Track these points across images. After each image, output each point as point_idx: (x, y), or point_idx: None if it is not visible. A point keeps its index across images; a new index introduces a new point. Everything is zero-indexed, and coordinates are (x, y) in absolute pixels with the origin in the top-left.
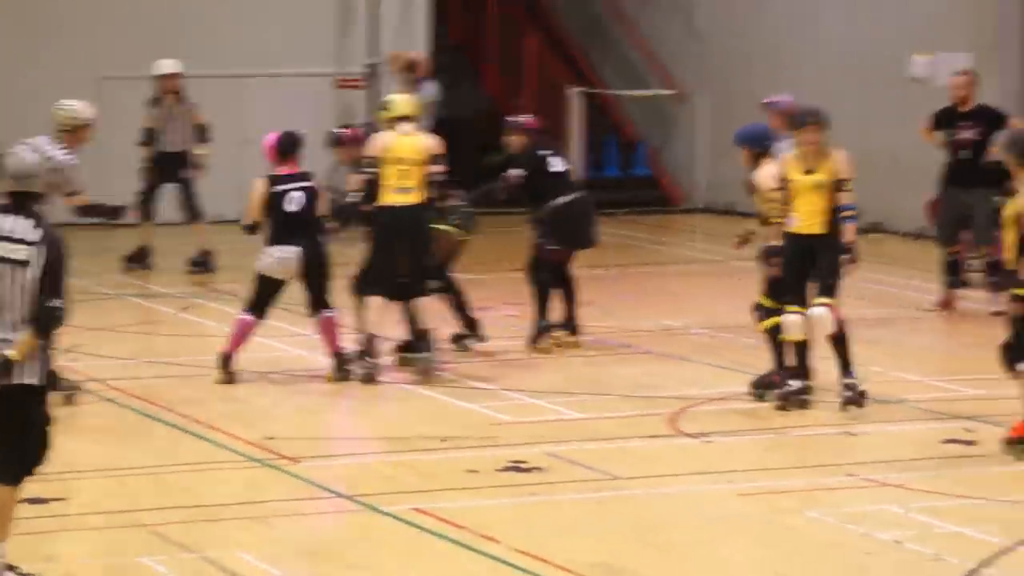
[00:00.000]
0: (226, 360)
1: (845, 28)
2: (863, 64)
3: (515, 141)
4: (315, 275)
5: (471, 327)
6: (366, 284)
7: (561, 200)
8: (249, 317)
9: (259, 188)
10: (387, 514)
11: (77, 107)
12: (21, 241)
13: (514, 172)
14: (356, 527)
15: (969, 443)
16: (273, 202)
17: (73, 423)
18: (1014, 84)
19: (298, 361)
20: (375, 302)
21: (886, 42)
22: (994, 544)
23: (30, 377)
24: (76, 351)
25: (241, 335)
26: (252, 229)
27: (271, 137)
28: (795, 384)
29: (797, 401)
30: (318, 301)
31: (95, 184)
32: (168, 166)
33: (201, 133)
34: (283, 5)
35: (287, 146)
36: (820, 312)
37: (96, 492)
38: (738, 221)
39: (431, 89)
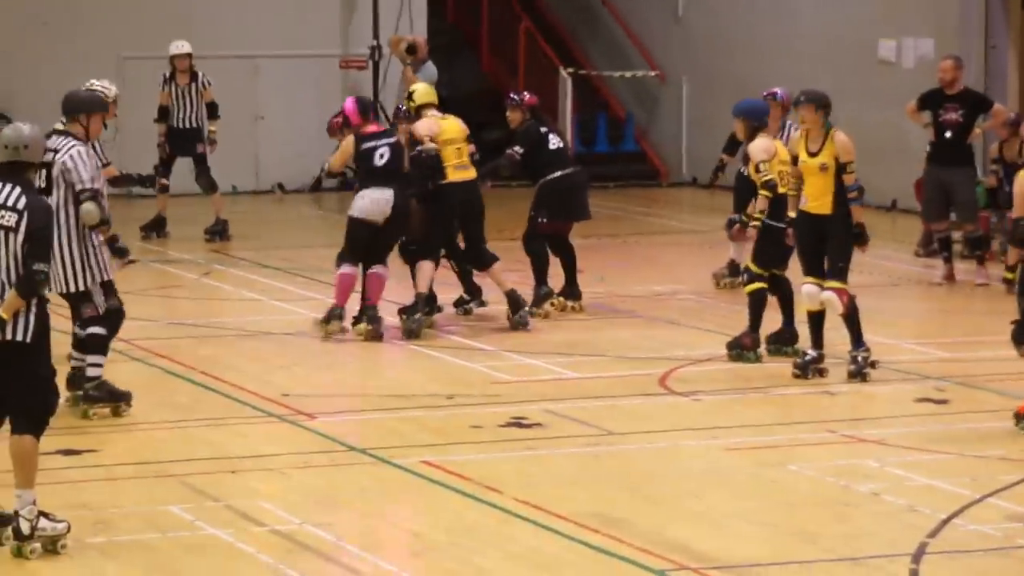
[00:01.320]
0: (338, 314)
1: (818, 14)
2: (834, 48)
3: (515, 117)
4: (395, 224)
5: (472, 293)
6: (428, 251)
7: (558, 174)
8: (349, 269)
9: (348, 145)
10: (397, 466)
11: (104, 86)
12: (10, 208)
13: (517, 148)
14: (369, 478)
15: (940, 402)
16: (363, 157)
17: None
18: (975, 70)
19: (308, 323)
20: (428, 267)
21: (855, 27)
22: (964, 496)
23: (20, 335)
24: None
25: (346, 288)
26: (332, 175)
27: (349, 102)
28: (812, 353)
29: (816, 369)
30: (382, 253)
31: (116, 157)
32: (182, 141)
33: (212, 110)
34: None
35: (364, 107)
36: (828, 296)
37: (126, 444)
38: (719, 195)
39: (431, 69)
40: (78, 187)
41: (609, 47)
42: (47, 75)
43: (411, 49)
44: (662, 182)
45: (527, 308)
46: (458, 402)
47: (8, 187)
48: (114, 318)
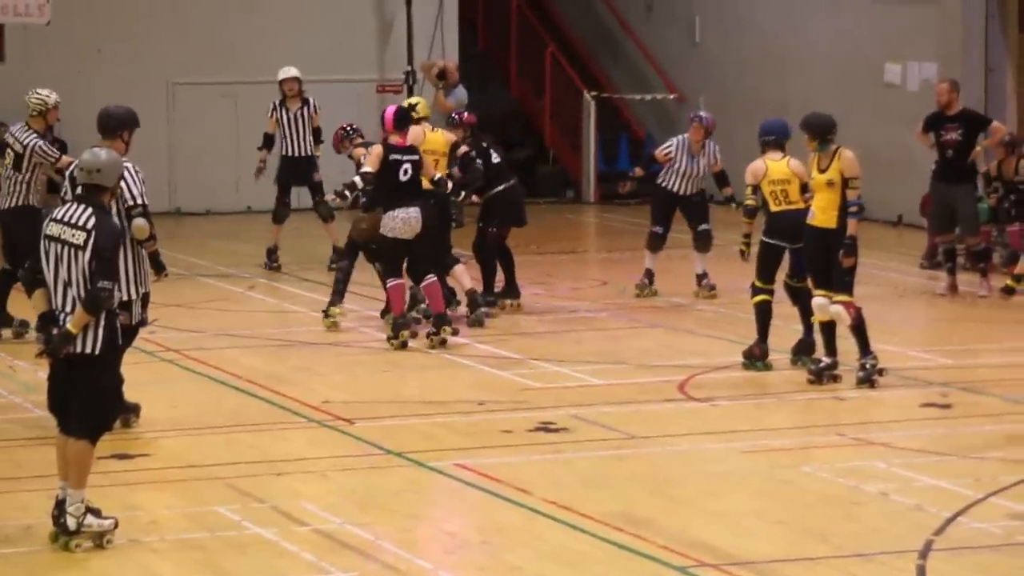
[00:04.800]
0: (402, 323)
1: (828, 38)
2: (843, 70)
3: (457, 134)
4: (426, 236)
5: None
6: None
7: (503, 187)
8: (397, 281)
9: (378, 151)
10: (432, 469)
11: (44, 94)
12: (80, 227)
13: (479, 161)
14: (405, 480)
15: (944, 406)
16: (389, 168)
17: (153, 388)
18: (975, 91)
19: (350, 333)
20: (461, 268)
21: (863, 52)
22: (968, 495)
23: (89, 347)
24: (155, 325)
25: (400, 297)
26: (367, 182)
27: (390, 110)
28: (826, 360)
29: (829, 376)
30: (425, 263)
31: (167, 181)
32: (295, 169)
33: (316, 135)
34: (332, 19)
35: (402, 118)
36: (837, 309)
37: (176, 449)
38: (731, 211)
39: (461, 93)
40: (128, 203)
41: (630, 71)
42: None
43: (442, 74)
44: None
45: (483, 309)
46: (489, 408)
47: (81, 208)
48: (133, 332)
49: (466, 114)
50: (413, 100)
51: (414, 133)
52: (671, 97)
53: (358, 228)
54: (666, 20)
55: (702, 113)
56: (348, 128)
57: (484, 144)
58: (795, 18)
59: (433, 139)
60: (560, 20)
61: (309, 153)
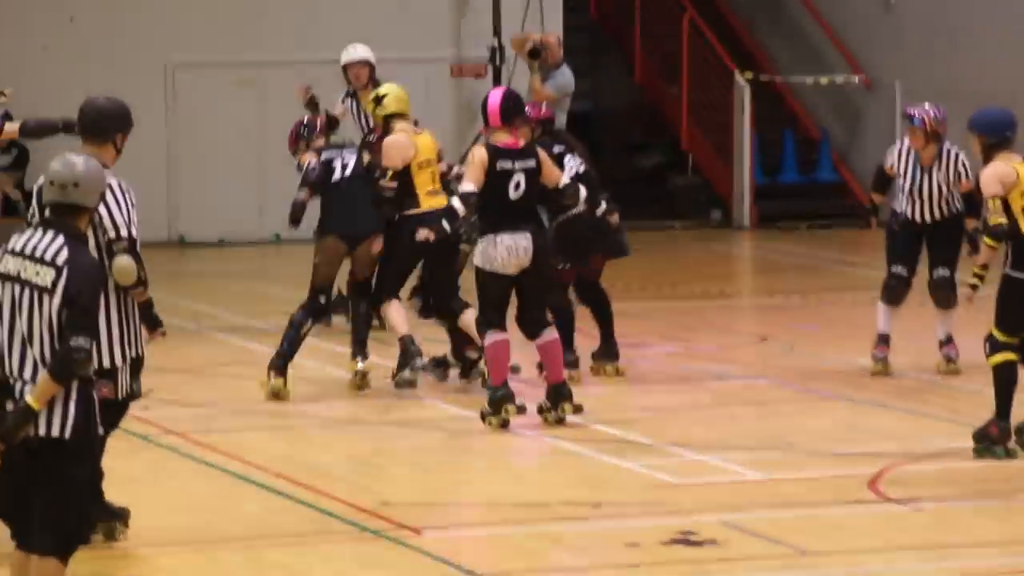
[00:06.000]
0: (501, 396)
1: None
2: None
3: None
4: (539, 274)
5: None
6: (389, 290)
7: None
8: (499, 336)
9: (482, 157)
10: None
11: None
12: (47, 263)
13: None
14: None
15: None
16: (497, 179)
17: (150, 486)
18: None
19: (413, 407)
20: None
21: None
22: None
23: (56, 429)
24: (150, 398)
25: (503, 361)
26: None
27: (495, 95)
28: None
29: None
30: (538, 312)
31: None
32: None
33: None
34: None
35: (515, 107)
36: None
37: (179, 571)
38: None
39: (565, 77)
40: (110, 234)
41: (798, 45)
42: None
43: (534, 52)
44: (869, 221)
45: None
46: (607, 512)
47: (49, 236)
48: (120, 408)
49: (543, 107)
50: (382, 90)
51: (397, 140)
52: (855, 80)
53: (316, 272)
54: None
55: (915, 110)
56: (303, 125)
57: (558, 150)
58: None
59: (422, 143)
60: None
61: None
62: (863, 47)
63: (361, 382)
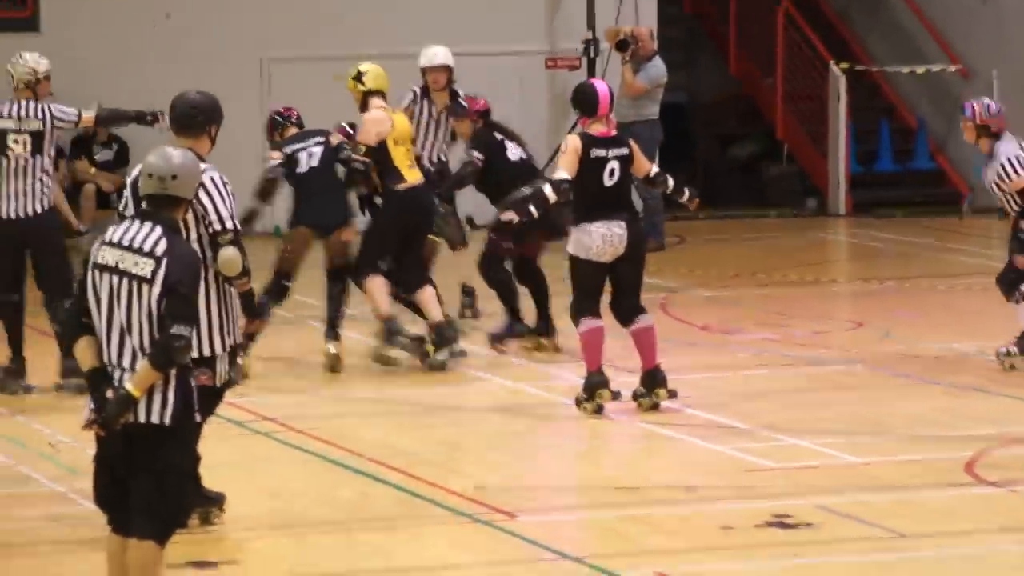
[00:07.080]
0: (597, 382)
1: None
2: None
3: (467, 128)
4: (634, 261)
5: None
6: (369, 266)
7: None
8: (594, 323)
9: (576, 145)
10: None
11: (31, 60)
12: (147, 253)
13: (476, 154)
14: None
15: None
16: (592, 168)
17: (244, 472)
18: None
19: (502, 393)
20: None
21: None
22: None
23: (156, 416)
24: (246, 385)
25: (596, 348)
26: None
27: (603, 87)
28: None
29: None
30: (633, 299)
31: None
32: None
33: (452, 136)
34: None
35: (612, 97)
36: None
37: (275, 553)
38: None
39: (658, 69)
40: (215, 226)
41: (894, 34)
42: (168, 85)
43: (622, 44)
44: (964, 209)
45: (458, 347)
46: (702, 496)
47: (147, 227)
48: (217, 396)
49: (481, 100)
50: (363, 66)
51: (375, 115)
52: (952, 70)
53: (283, 258)
54: None
55: (971, 103)
56: (280, 114)
57: (499, 137)
58: None
59: (400, 123)
60: None
61: (442, 159)
62: (960, 37)
63: (335, 364)
